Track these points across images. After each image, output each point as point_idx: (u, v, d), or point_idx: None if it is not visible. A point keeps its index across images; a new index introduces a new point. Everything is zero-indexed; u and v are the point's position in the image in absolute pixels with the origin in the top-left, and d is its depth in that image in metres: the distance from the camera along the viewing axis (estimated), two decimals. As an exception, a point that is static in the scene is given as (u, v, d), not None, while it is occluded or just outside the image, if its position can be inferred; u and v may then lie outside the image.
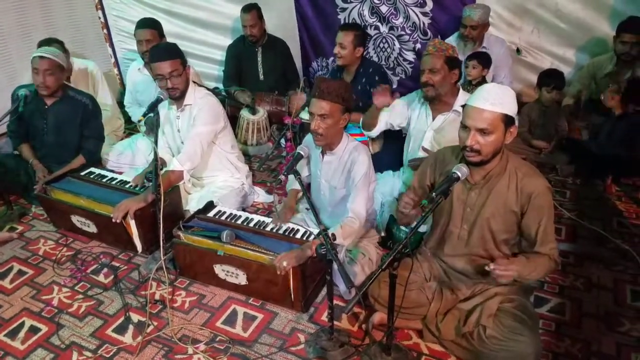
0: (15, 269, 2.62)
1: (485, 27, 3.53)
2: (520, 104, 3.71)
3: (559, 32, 3.64)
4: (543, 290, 2.39)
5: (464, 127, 1.79)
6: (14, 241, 2.84)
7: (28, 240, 2.86)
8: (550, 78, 3.41)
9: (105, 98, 3.84)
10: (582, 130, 3.51)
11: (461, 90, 2.69)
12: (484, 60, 3.32)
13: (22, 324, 2.25)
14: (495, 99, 1.74)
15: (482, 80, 3.32)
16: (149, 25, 3.42)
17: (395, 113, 2.82)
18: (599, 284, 2.42)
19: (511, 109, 1.76)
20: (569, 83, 3.66)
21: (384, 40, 4.09)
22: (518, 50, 3.80)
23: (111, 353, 2.09)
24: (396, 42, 4.06)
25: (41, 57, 2.86)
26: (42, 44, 3.50)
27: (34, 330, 2.22)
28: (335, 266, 1.83)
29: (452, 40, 3.62)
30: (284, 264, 2.06)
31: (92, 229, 2.75)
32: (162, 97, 2.61)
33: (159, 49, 2.71)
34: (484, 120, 1.73)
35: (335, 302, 2.07)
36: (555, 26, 3.63)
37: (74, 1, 4.18)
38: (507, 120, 1.76)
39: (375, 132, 2.89)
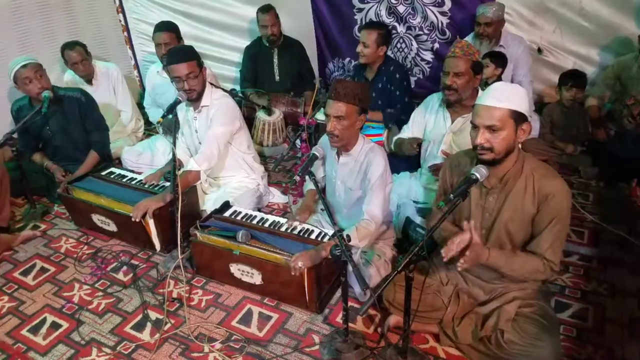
0: (38, 266, 2.69)
1: (500, 24, 3.46)
2: (543, 105, 3.69)
3: (582, 31, 3.56)
4: (564, 295, 2.34)
5: (474, 126, 1.78)
6: (36, 239, 2.91)
7: (50, 238, 2.92)
8: (568, 77, 3.34)
9: (125, 99, 3.91)
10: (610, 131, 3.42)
11: (480, 91, 2.65)
12: (498, 59, 3.26)
13: (44, 320, 2.31)
14: (502, 95, 1.72)
15: (498, 80, 3.26)
16: (167, 28, 3.46)
17: (417, 127, 2.87)
18: (623, 290, 2.35)
19: (520, 105, 1.73)
20: (592, 83, 3.58)
21: (401, 41, 4.06)
22: (539, 50, 3.73)
23: (129, 350, 2.13)
24: (414, 42, 4.03)
25: (24, 65, 2.87)
26: (65, 46, 3.60)
27: (55, 326, 2.27)
28: (350, 268, 1.83)
29: (468, 40, 3.56)
30: (300, 264, 2.06)
31: (112, 227, 2.80)
32: (180, 99, 2.65)
33: (175, 52, 2.74)
34: (491, 117, 1.72)
35: (350, 303, 2.06)
36: (578, 25, 3.55)
37: (96, 5, 4.27)
38: (517, 117, 1.73)
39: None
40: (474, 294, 2.03)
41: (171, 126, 2.62)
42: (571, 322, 2.19)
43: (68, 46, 3.59)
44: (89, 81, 3.76)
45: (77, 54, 3.57)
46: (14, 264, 2.70)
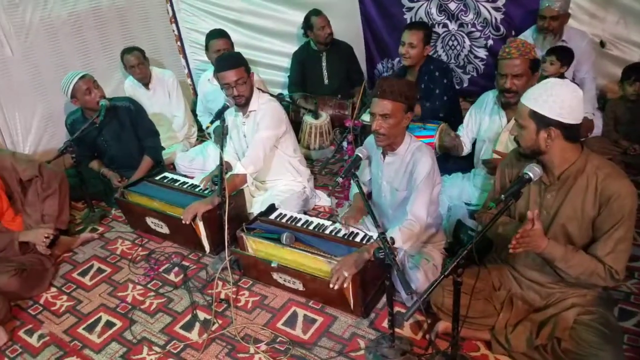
0: (95, 266, 2.81)
1: (566, 18, 3.26)
2: (606, 100, 3.45)
3: (649, 21, 3.30)
4: (629, 302, 2.16)
5: None
6: (94, 241, 3.05)
7: (107, 241, 3.06)
8: (632, 70, 3.10)
9: (178, 105, 4.05)
10: None
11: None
12: (565, 56, 3.05)
13: (99, 319, 2.41)
14: (534, 93, 1.69)
15: (560, 77, 3.07)
16: (223, 35, 3.56)
17: (470, 127, 2.79)
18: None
19: (544, 108, 1.63)
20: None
21: (453, 38, 3.94)
22: (602, 43, 3.49)
23: (178, 349, 2.18)
24: (466, 40, 3.90)
25: (82, 77, 3.02)
26: (125, 51, 3.82)
27: (109, 324, 2.36)
28: (394, 271, 1.77)
29: (528, 34, 3.39)
30: (345, 274, 2.02)
31: (165, 230, 2.89)
32: (228, 104, 2.70)
33: (224, 59, 2.80)
34: (518, 112, 1.74)
35: (397, 308, 2.00)
36: (644, 15, 3.30)
37: (150, 16, 4.44)
38: (538, 119, 1.65)
39: (466, 151, 2.86)
40: (529, 300, 1.92)
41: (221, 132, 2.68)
42: (636, 330, 2.02)
43: (127, 51, 3.80)
44: (146, 85, 3.94)
45: (134, 58, 3.78)
46: (73, 264, 2.85)
